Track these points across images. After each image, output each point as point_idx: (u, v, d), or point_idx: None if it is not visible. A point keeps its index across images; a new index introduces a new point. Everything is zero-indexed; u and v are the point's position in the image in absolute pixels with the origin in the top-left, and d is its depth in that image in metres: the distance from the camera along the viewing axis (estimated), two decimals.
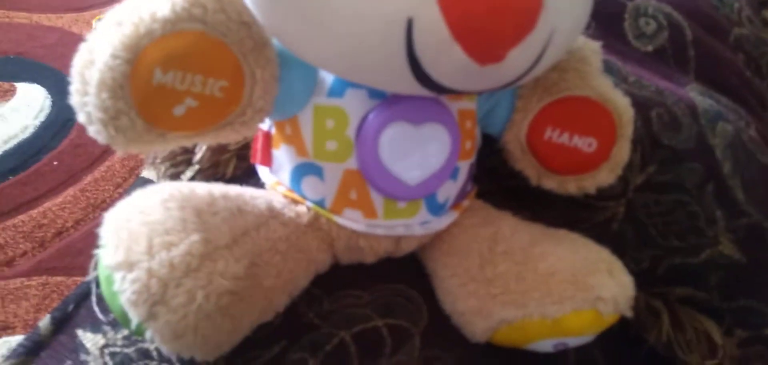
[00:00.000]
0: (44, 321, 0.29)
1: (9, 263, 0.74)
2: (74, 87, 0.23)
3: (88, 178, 0.84)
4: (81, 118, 0.24)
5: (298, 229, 0.31)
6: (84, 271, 0.79)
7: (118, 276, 0.24)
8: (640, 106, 0.40)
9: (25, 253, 0.75)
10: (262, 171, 0.34)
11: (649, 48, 0.48)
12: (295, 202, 0.32)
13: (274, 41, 0.27)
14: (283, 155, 0.32)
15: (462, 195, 0.35)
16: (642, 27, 0.49)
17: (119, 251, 0.24)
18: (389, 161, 0.30)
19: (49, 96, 0.87)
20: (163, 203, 0.26)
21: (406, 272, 0.37)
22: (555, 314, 0.30)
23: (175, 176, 0.37)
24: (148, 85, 0.23)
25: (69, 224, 0.79)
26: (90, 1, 1.13)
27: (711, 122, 0.44)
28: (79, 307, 0.30)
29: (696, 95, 0.46)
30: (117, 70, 0.22)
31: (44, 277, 0.76)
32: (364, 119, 0.29)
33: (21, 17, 1.02)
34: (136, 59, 0.23)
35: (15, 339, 0.72)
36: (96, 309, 0.30)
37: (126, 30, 0.23)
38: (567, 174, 0.35)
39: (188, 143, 0.27)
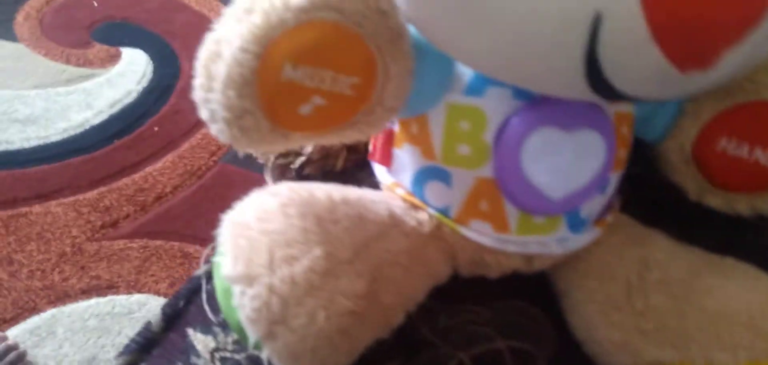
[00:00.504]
0: (155, 317, 0.29)
1: (114, 224, 0.78)
2: (198, 81, 0.22)
3: (186, 144, 0.86)
4: (204, 114, 0.22)
5: (420, 240, 0.28)
6: (180, 237, 0.82)
7: (237, 290, 0.22)
8: None
9: (127, 216, 0.79)
10: (379, 170, 0.31)
11: None
12: (415, 207, 0.29)
13: (411, 30, 0.24)
14: (405, 156, 0.29)
15: (607, 209, 0.31)
16: None
17: (239, 262, 0.23)
18: (532, 171, 0.26)
19: (151, 62, 0.90)
20: (282, 209, 0.25)
21: (530, 287, 0.33)
22: (725, 362, 0.26)
23: (285, 166, 0.35)
24: (277, 81, 0.21)
25: (167, 190, 0.82)
26: None
27: None
28: (189, 303, 0.29)
29: None
30: (245, 66, 0.20)
31: (145, 240, 0.80)
32: (505, 122, 0.26)
33: None
34: (266, 53, 0.21)
35: (119, 298, 0.77)
36: (206, 307, 0.29)
37: (256, 19, 0.20)
38: (739, 191, 0.30)
39: (309, 144, 0.25)
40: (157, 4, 1.02)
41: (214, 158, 0.90)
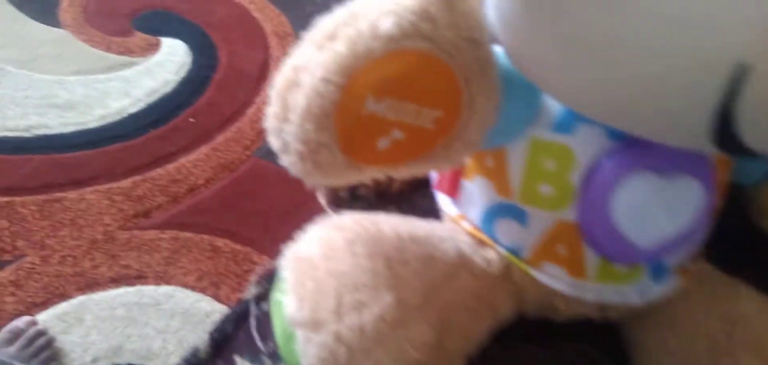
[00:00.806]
0: (203, 342, 0.27)
1: (146, 214, 0.78)
2: (272, 110, 0.20)
3: (220, 137, 0.85)
4: (274, 144, 0.20)
5: (488, 281, 0.26)
6: (211, 230, 0.81)
7: (302, 336, 0.21)
8: None
9: (160, 206, 0.78)
10: (444, 200, 0.29)
11: None
12: (483, 244, 0.27)
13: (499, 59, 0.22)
14: (476, 189, 0.27)
15: (689, 257, 0.28)
16: None
17: (304, 306, 0.21)
18: (622, 219, 0.23)
19: (190, 52, 0.90)
20: (349, 247, 0.23)
21: (597, 332, 0.31)
22: None
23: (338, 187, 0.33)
24: (358, 115, 0.19)
25: (200, 182, 0.81)
26: None
27: None
28: (237, 329, 0.28)
29: None
30: (327, 98, 0.18)
31: (175, 231, 0.79)
32: (597, 164, 0.23)
33: None
34: (349, 84, 0.19)
35: (147, 289, 0.76)
36: (255, 334, 0.27)
37: (340, 48, 0.18)
38: None
39: (380, 176, 0.23)
40: None
41: (248, 152, 0.89)
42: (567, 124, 0.23)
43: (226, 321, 0.28)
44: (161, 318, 0.73)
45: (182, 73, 0.87)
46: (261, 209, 0.85)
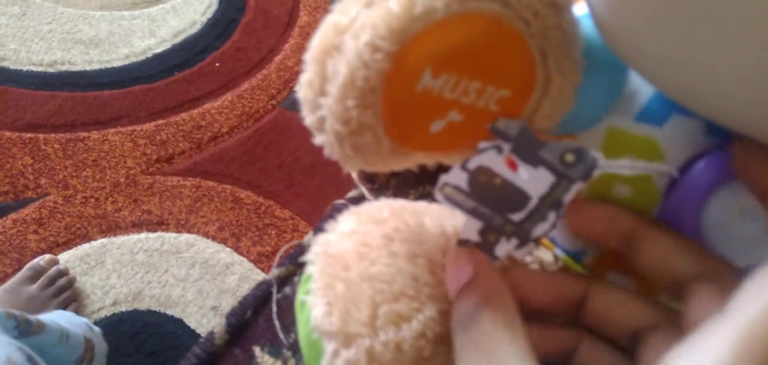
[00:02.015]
0: (219, 327, 0.25)
1: (169, 159, 0.76)
2: (307, 78, 0.16)
3: (246, 84, 0.82)
4: (308, 119, 0.17)
5: None
6: (233, 180, 0.79)
7: (329, 348, 0.17)
8: None
9: (183, 152, 0.76)
10: None
11: None
12: (540, 244, 0.23)
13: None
14: None
15: None
16: None
17: (334, 313, 0.17)
18: (715, 235, 0.19)
19: None
20: (387, 245, 0.19)
21: None
22: None
23: None
24: (410, 91, 0.15)
25: (224, 130, 0.78)
26: None
27: None
28: (257, 315, 0.25)
29: None
30: (373, 68, 0.14)
31: (198, 179, 0.77)
32: (689, 164, 0.19)
33: None
34: (401, 52, 0.15)
35: (168, 236, 0.75)
36: (276, 323, 0.24)
37: (394, 6, 0.14)
38: None
39: (429, 162, 0.19)
40: None
41: (273, 101, 0.85)
42: (657, 113, 0.19)
43: (244, 304, 0.25)
44: (181, 266, 0.72)
45: (209, 13, 0.83)
46: (285, 162, 0.82)
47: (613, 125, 0.20)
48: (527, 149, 0.18)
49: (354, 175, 0.30)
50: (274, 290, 0.25)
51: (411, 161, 0.18)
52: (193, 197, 0.75)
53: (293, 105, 0.87)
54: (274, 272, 0.26)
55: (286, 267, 0.23)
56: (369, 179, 0.27)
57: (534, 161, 0.18)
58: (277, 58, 0.87)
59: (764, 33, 0.12)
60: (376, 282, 0.17)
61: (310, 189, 0.77)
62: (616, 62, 0.18)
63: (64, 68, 0.73)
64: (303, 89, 0.16)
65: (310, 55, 0.15)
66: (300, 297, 0.19)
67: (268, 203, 0.76)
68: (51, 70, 0.72)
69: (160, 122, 0.78)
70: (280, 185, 0.78)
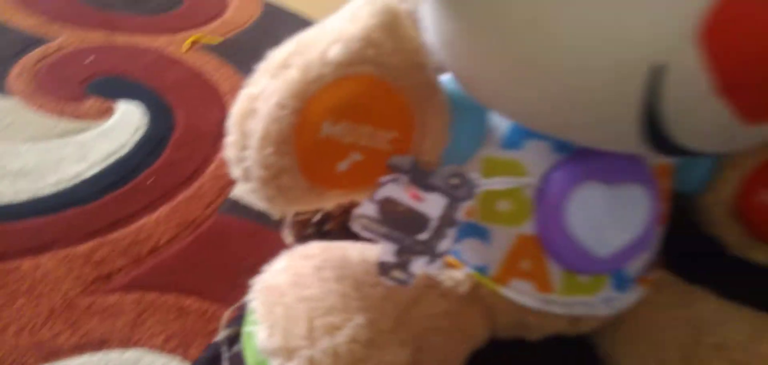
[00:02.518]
0: None
1: (107, 277, 0.75)
2: (231, 139, 0.20)
3: (181, 196, 0.84)
4: (235, 172, 0.21)
5: (458, 301, 0.26)
6: (177, 288, 0.78)
7: (275, 364, 0.20)
8: None
9: (121, 269, 0.75)
10: None
11: None
12: (450, 266, 0.28)
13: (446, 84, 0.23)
14: None
15: (650, 266, 0.29)
16: None
17: (276, 334, 0.21)
18: (577, 229, 0.25)
19: (146, 114, 0.89)
20: (317, 273, 0.23)
21: (572, 350, 0.31)
22: None
23: (304, 222, 0.33)
24: (315, 138, 0.20)
25: (163, 242, 0.79)
26: (182, 24, 1.17)
27: None
28: None
29: None
30: (284, 122, 0.19)
31: (139, 293, 0.76)
32: (547, 177, 0.24)
33: (120, 39, 1.07)
34: (304, 108, 0.19)
35: (112, 355, 0.72)
36: None
37: (294, 74, 0.19)
38: None
39: (343, 201, 0.24)
40: (151, 59, 1.02)
41: (210, 208, 0.87)
42: (515, 140, 0.24)
43: None
44: None
45: (138, 135, 0.86)
46: (228, 264, 0.83)
47: (486, 155, 0.25)
48: (421, 179, 0.23)
49: (288, 240, 0.33)
50: (224, 348, 0.28)
51: (327, 200, 0.22)
52: (135, 311, 0.74)
53: (231, 209, 0.89)
54: (223, 333, 0.28)
55: (234, 328, 0.26)
56: (303, 242, 0.31)
57: (427, 187, 0.23)
58: (211, 168, 0.90)
59: (542, 73, 0.18)
60: (310, 301, 0.21)
61: None
62: (477, 106, 0.23)
63: None
64: (229, 149, 0.20)
65: (232, 121, 0.19)
66: (245, 329, 0.22)
67: (215, 307, 0.76)
68: None
69: (96, 241, 0.77)
70: (225, 287, 0.79)
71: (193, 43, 1.06)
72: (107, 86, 0.94)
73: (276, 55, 0.20)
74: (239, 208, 0.85)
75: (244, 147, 0.20)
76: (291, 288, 0.22)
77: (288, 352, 0.20)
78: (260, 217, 0.25)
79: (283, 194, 0.20)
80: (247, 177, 0.20)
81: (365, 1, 0.21)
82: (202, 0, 1.24)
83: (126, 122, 0.88)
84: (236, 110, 0.20)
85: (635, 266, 0.27)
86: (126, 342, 0.73)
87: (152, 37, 1.07)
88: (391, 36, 0.21)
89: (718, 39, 0.16)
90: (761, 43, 0.16)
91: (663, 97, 0.17)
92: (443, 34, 0.20)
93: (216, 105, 0.94)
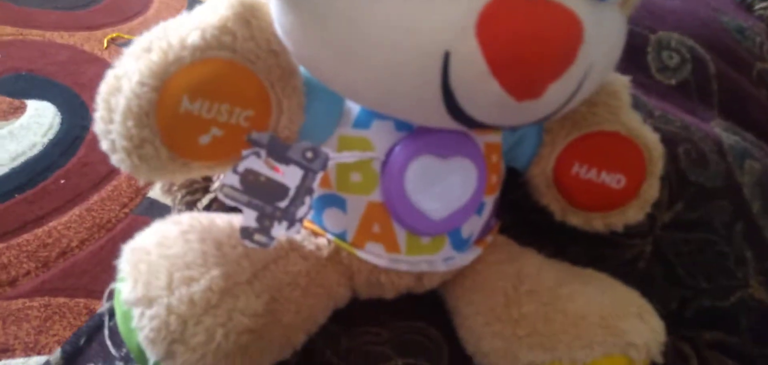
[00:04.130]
0: (55, 356, 0.28)
1: (12, 283, 0.73)
2: (99, 114, 0.23)
3: (95, 197, 0.83)
4: (104, 145, 0.23)
5: (319, 263, 0.30)
6: (87, 292, 0.78)
7: (136, 312, 0.23)
8: (668, 142, 0.39)
9: (28, 273, 0.74)
10: None
11: (672, 81, 0.48)
12: (316, 234, 0.31)
13: (302, 70, 0.27)
14: None
15: (486, 230, 0.34)
16: (665, 60, 0.48)
17: (138, 286, 0.23)
18: (415, 195, 0.29)
19: (59, 113, 0.87)
20: (183, 235, 0.26)
21: (426, 309, 0.36)
22: (585, 358, 0.29)
23: (191, 203, 0.36)
24: (175, 113, 0.23)
25: (74, 244, 0.78)
26: (102, 20, 1.14)
27: (738, 158, 0.43)
28: (91, 341, 0.29)
29: (721, 130, 0.46)
30: (144, 98, 0.22)
31: (46, 298, 0.75)
32: (390, 151, 0.29)
33: (34, 35, 1.03)
34: (164, 87, 0.22)
35: (16, 362, 0.71)
36: (108, 343, 0.29)
37: (154, 56, 0.22)
38: (594, 211, 0.34)
39: (211, 173, 0.27)
40: (67, 56, 0.99)
41: (126, 209, 0.87)
42: (365, 121, 0.29)
43: (79, 334, 0.29)
44: None
45: (50, 134, 0.84)
46: None
47: (341, 134, 0.29)
48: (278, 152, 0.26)
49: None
50: (106, 318, 0.30)
51: (193, 171, 0.25)
52: (42, 317, 0.73)
53: (147, 210, 0.89)
54: (106, 305, 0.30)
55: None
56: None
57: (285, 160, 0.26)
58: None
59: (362, 59, 0.22)
60: (171, 258, 0.24)
61: None
62: (332, 91, 0.27)
63: None
64: (97, 124, 0.23)
65: (99, 97, 0.22)
66: (114, 285, 0.24)
67: None
68: None
69: (1, 245, 0.75)
70: None
71: (113, 40, 1.04)
72: (17, 84, 0.91)
73: (141, 40, 0.23)
74: (155, 209, 0.85)
75: (109, 121, 0.22)
76: (156, 247, 0.25)
77: (148, 301, 0.23)
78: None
79: (146, 162, 0.23)
80: (113, 148, 0.23)
81: None
82: None
83: (37, 122, 0.87)
84: (103, 87, 0.23)
85: (471, 229, 0.32)
86: (31, 349, 0.71)
87: (69, 34, 1.05)
88: (246, 25, 0.24)
89: (488, 30, 0.21)
90: (514, 35, 0.21)
91: (452, 78, 0.22)
92: (283, 25, 0.24)
93: None
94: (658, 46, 0.49)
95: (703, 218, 0.40)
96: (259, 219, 0.26)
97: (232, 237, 0.27)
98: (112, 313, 0.28)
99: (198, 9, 0.24)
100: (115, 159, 0.23)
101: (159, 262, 0.24)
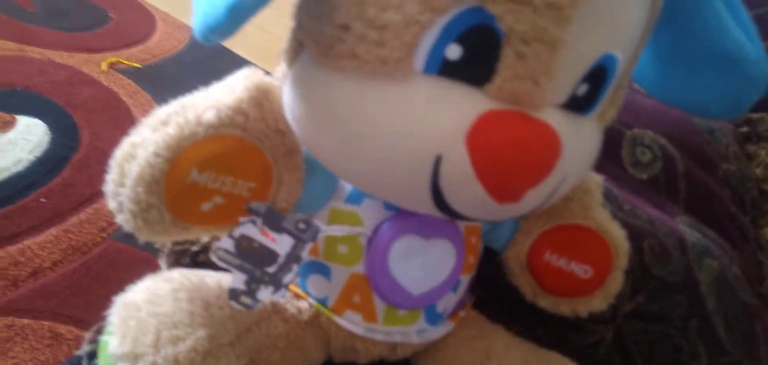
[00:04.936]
0: None
1: None
2: (111, 177, 0.24)
3: (74, 219, 0.83)
4: (111, 205, 0.25)
5: (298, 326, 0.31)
6: (53, 315, 0.76)
7: None
8: (634, 236, 0.41)
9: None
10: None
11: (644, 176, 0.51)
12: (298, 297, 0.32)
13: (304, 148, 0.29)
14: None
15: (460, 306, 0.36)
16: (638, 156, 0.51)
17: (126, 341, 0.24)
18: (396, 271, 0.31)
19: (49, 132, 0.87)
20: (173, 294, 0.27)
21: None
22: None
23: (180, 252, 0.37)
24: (183, 183, 0.24)
25: (46, 265, 0.77)
26: (103, 44, 1.15)
27: (698, 256, 0.46)
28: None
29: (685, 227, 0.49)
30: (156, 168, 0.23)
31: (11, 318, 0.74)
32: (377, 228, 0.30)
33: (34, 52, 1.04)
34: (176, 158, 0.24)
35: None
36: None
37: (171, 130, 0.24)
38: (562, 296, 0.37)
39: (207, 236, 0.28)
40: (64, 76, 0.99)
41: (104, 234, 0.86)
42: (356, 198, 0.30)
43: None
44: None
45: (37, 152, 0.84)
46: (113, 293, 0.82)
47: (333, 207, 0.31)
48: (273, 222, 0.28)
49: (162, 263, 0.37)
50: (84, 361, 0.30)
51: (191, 234, 0.27)
52: (3, 337, 0.71)
53: (125, 237, 0.88)
54: (85, 349, 0.31)
55: (95, 345, 0.29)
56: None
57: (279, 229, 0.28)
58: None
59: (359, 153, 0.23)
60: (161, 316, 0.25)
61: None
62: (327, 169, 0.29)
63: None
64: (108, 185, 0.24)
65: (114, 162, 0.24)
66: (101, 338, 0.25)
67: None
68: None
69: None
70: (105, 317, 0.78)
71: (112, 65, 1.05)
72: (11, 99, 0.91)
73: (159, 112, 0.25)
74: (132, 236, 0.85)
75: (121, 185, 0.24)
76: (146, 304, 0.26)
77: (134, 357, 0.24)
78: (150, 247, 0.27)
79: (150, 226, 0.24)
80: (120, 210, 0.24)
81: (242, 76, 0.26)
82: (128, 22, 1.23)
83: (25, 138, 0.86)
84: (118, 153, 0.24)
85: (445, 304, 0.34)
86: None
87: (69, 54, 1.05)
88: (258, 108, 0.26)
89: (476, 140, 0.23)
90: (498, 146, 0.23)
91: (441, 178, 0.24)
92: (293, 112, 0.26)
93: (126, 130, 0.94)
94: (632, 142, 0.52)
95: (662, 312, 0.42)
96: (247, 282, 0.28)
97: (221, 298, 0.28)
98: (90, 357, 0.28)
99: (214, 86, 0.26)
100: (120, 219, 0.24)
101: (148, 319, 0.25)
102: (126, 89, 1.03)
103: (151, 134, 0.24)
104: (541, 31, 0.22)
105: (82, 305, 0.79)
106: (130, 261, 0.84)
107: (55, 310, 0.77)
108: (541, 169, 0.24)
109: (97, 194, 0.88)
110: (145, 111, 1.00)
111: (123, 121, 0.98)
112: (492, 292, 0.40)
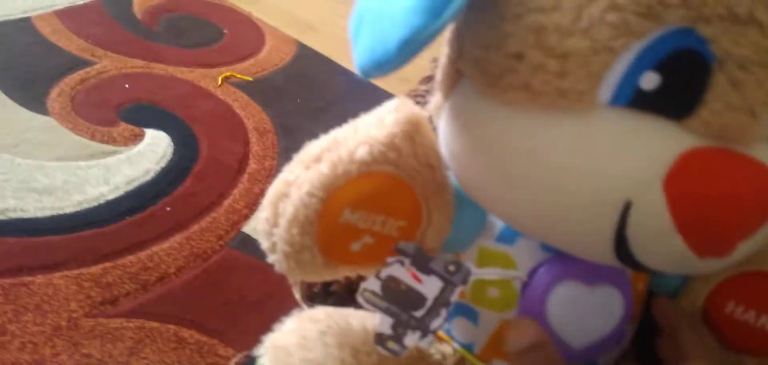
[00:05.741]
0: None
1: (113, 301, 0.78)
2: (264, 216, 0.24)
3: (195, 227, 0.88)
4: (264, 245, 0.24)
5: None
6: (177, 320, 0.81)
7: None
8: None
9: (128, 294, 0.79)
10: None
11: None
12: (441, 340, 0.31)
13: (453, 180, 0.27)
14: None
15: (620, 358, 0.32)
16: None
17: None
18: (556, 321, 0.28)
19: (172, 144, 0.94)
20: (321, 337, 0.26)
21: None
22: None
23: (312, 282, 0.37)
24: (335, 223, 0.23)
25: (171, 271, 0.82)
26: (218, 59, 1.22)
27: None
28: None
29: None
30: (311, 208, 0.23)
31: (141, 320, 0.79)
32: (533, 272, 0.28)
33: (159, 69, 1.12)
34: (329, 198, 0.23)
35: None
36: None
37: (324, 168, 0.23)
38: (746, 353, 0.31)
39: (352, 274, 0.27)
40: (185, 91, 1.07)
41: (221, 242, 0.91)
42: (509, 237, 0.28)
43: None
44: None
45: (163, 163, 0.91)
46: (230, 300, 0.86)
47: (482, 246, 0.28)
48: (422, 263, 0.26)
49: (297, 295, 0.37)
50: None
51: (339, 273, 0.26)
52: (135, 339, 0.77)
53: (241, 245, 0.92)
54: None
55: None
56: (310, 299, 0.34)
57: (427, 271, 0.26)
58: (226, 202, 0.94)
59: (532, 194, 0.21)
60: (312, 363, 0.24)
61: (253, 326, 0.80)
62: (477, 205, 0.27)
63: (15, 215, 0.77)
64: (261, 223, 0.24)
65: (267, 200, 0.23)
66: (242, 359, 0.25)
67: (212, 342, 0.79)
68: (2, 217, 0.76)
69: (107, 264, 0.81)
70: (224, 323, 0.81)
71: (226, 78, 1.12)
72: (139, 113, 0.99)
73: (311, 148, 0.24)
74: (248, 244, 0.89)
75: (274, 224, 0.24)
76: (297, 349, 0.25)
77: None
78: (264, 255, 0.28)
79: (301, 267, 0.24)
80: (273, 250, 0.24)
81: (392, 108, 0.25)
82: (240, 38, 1.31)
83: (152, 150, 0.94)
84: (272, 191, 0.24)
85: (607, 360, 0.30)
86: None
87: (189, 70, 1.13)
88: (411, 142, 0.24)
89: (677, 186, 0.20)
90: (706, 194, 0.19)
91: (630, 227, 0.21)
92: (450, 148, 0.24)
93: (239, 141, 0.99)
94: None
95: None
96: (393, 326, 0.26)
97: (367, 343, 0.27)
98: None
99: (363, 118, 0.25)
100: (273, 259, 0.24)
101: None
102: (239, 101, 1.09)
103: (304, 172, 0.23)
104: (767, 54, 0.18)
105: (202, 310, 0.84)
106: (245, 268, 0.88)
107: (178, 315, 0.82)
108: (757, 218, 0.20)
109: (215, 204, 0.93)
110: (257, 122, 1.05)
111: (237, 132, 1.03)
112: (649, 340, 0.35)
